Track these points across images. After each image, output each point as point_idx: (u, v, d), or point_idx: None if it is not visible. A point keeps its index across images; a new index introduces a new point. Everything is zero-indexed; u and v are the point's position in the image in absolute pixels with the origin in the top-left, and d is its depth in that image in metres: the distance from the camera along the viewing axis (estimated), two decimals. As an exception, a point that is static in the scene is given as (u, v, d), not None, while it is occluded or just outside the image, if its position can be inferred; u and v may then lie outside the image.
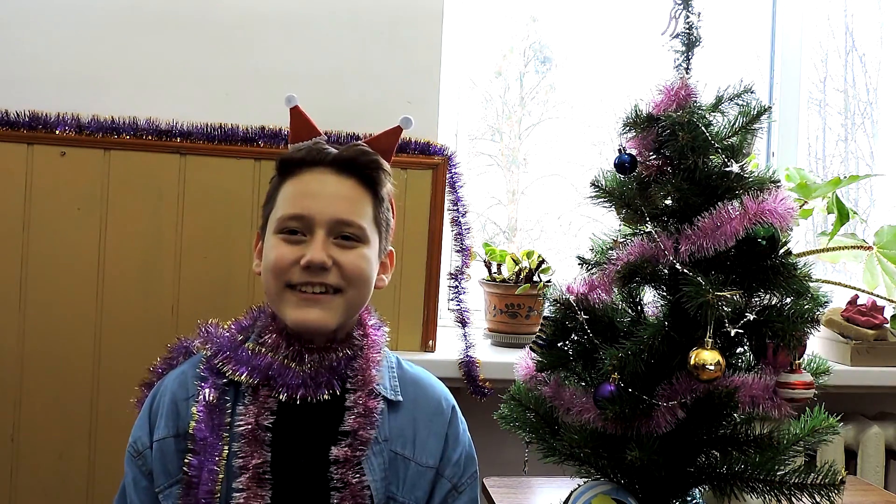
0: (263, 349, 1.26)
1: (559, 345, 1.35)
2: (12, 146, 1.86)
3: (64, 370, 1.86)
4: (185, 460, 1.21)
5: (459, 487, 1.34)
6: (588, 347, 1.31)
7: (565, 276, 1.41)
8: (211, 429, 1.21)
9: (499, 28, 2.33)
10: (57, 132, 1.87)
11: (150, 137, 1.89)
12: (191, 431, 1.21)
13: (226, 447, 1.21)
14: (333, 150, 1.29)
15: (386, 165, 1.31)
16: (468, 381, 1.94)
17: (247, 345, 1.28)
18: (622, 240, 1.34)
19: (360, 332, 1.33)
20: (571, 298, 1.31)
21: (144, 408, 1.30)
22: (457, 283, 2.02)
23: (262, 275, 1.29)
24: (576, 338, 1.34)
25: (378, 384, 1.29)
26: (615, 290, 1.33)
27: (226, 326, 1.33)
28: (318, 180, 1.26)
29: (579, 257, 1.37)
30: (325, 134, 1.93)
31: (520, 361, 1.45)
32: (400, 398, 1.32)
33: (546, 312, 1.36)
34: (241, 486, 1.19)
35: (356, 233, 1.26)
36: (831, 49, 2.55)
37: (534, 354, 1.37)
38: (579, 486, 1.37)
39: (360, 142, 1.33)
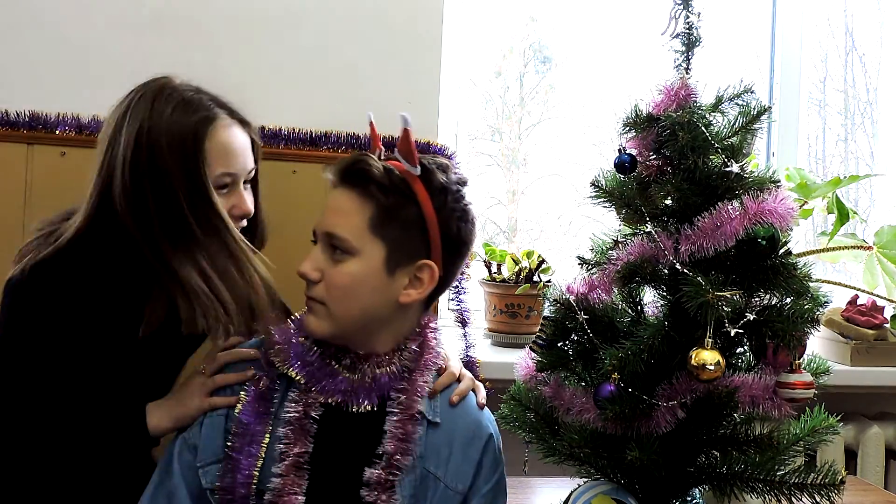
0: (314, 346, 1.26)
1: (559, 345, 1.35)
2: (12, 146, 1.86)
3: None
4: (228, 443, 1.22)
5: None
6: (588, 347, 1.31)
7: (565, 277, 1.41)
8: (255, 416, 1.23)
9: (499, 28, 2.34)
10: (57, 132, 1.87)
11: (149, 137, 1.89)
12: (236, 413, 1.23)
13: (268, 435, 1.22)
14: (342, 161, 1.27)
15: (376, 174, 1.22)
16: (468, 382, 1.93)
17: (300, 339, 1.27)
18: (622, 240, 1.34)
19: (415, 353, 1.29)
20: (571, 298, 1.31)
21: (213, 400, 1.28)
22: (457, 282, 2.01)
23: None
24: (576, 338, 1.34)
25: (420, 412, 1.26)
26: (615, 290, 1.33)
27: (295, 317, 1.32)
28: (332, 193, 1.25)
29: (579, 257, 1.37)
30: (325, 135, 1.95)
31: (520, 361, 1.45)
32: (439, 420, 1.28)
33: (546, 312, 1.36)
34: (279, 472, 1.19)
35: (341, 245, 1.22)
36: (831, 49, 2.56)
37: (534, 354, 1.37)
38: (579, 485, 1.38)
39: (393, 153, 1.26)
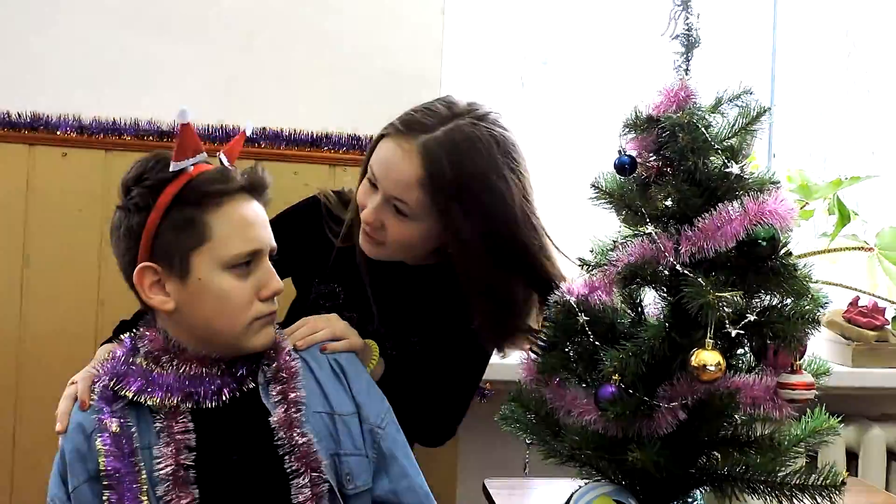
0: (171, 368, 1.25)
1: (560, 347, 1.35)
2: (14, 147, 1.87)
3: (64, 371, 1.85)
4: (104, 499, 1.18)
5: (382, 424, 1.34)
6: (589, 349, 1.31)
7: (567, 277, 1.41)
8: (122, 459, 1.19)
9: (499, 30, 2.33)
10: (58, 133, 1.88)
11: (151, 138, 1.90)
12: (101, 468, 1.18)
13: (143, 472, 1.19)
14: (249, 175, 1.27)
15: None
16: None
17: (141, 364, 1.26)
18: (622, 241, 1.34)
19: None
20: (572, 300, 1.31)
21: (55, 466, 1.26)
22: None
23: (208, 315, 1.24)
24: (577, 339, 1.33)
25: (290, 350, 1.31)
26: (616, 291, 1.33)
27: (106, 357, 1.29)
28: (251, 208, 1.25)
29: (580, 259, 1.37)
30: (327, 136, 1.95)
31: (520, 363, 1.45)
32: (304, 356, 1.34)
33: (547, 314, 1.36)
34: None
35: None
36: (832, 49, 2.55)
37: (534, 356, 1.37)
38: (580, 486, 1.37)
39: (221, 154, 1.30)
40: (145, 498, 1.18)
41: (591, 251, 1.39)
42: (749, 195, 1.26)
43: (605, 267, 1.32)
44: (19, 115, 1.87)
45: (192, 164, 1.23)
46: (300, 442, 1.23)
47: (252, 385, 1.28)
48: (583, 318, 1.30)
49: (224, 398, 1.24)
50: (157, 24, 1.91)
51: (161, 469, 1.19)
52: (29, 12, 1.88)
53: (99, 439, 1.20)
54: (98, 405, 1.23)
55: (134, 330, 1.31)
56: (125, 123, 1.89)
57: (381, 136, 1.43)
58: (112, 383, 1.24)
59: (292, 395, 1.26)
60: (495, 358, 1.98)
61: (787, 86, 2.47)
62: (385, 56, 1.98)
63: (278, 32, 1.95)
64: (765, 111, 1.30)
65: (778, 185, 1.30)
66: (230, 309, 1.23)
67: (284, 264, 1.35)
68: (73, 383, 1.30)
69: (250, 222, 1.24)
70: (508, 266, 1.43)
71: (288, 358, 1.30)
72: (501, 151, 1.40)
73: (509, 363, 1.51)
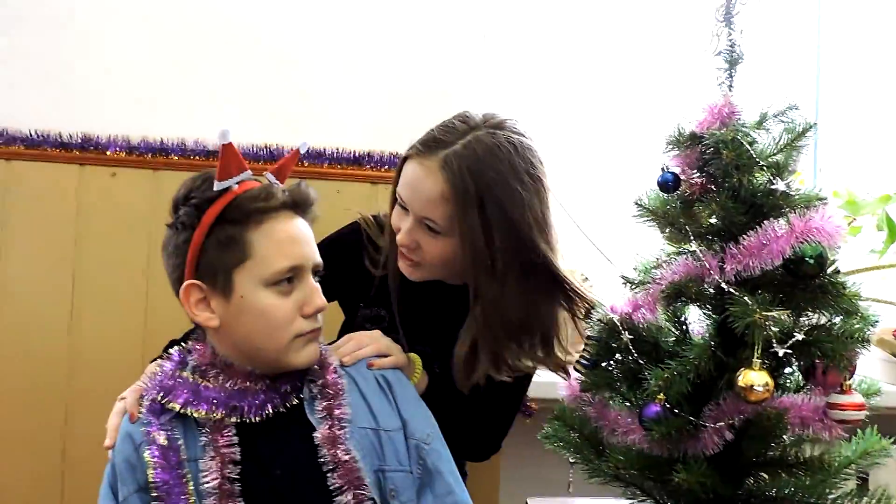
0: (217, 383, 1.27)
1: (603, 365, 1.34)
2: (65, 167, 1.91)
3: (112, 384, 1.89)
4: None
5: (427, 440, 1.34)
6: (633, 367, 1.30)
7: (608, 295, 1.40)
8: (170, 471, 1.21)
9: (539, 50, 2.34)
10: (108, 153, 1.92)
11: (197, 158, 1.93)
12: (150, 480, 1.20)
13: (190, 483, 1.21)
14: (296, 193, 1.29)
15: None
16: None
17: (188, 377, 1.28)
18: (666, 259, 1.33)
19: None
20: (615, 318, 1.30)
21: (105, 479, 1.28)
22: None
23: (250, 332, 1.26)
24: (620, 358, 1.33)
25: (336, 366, 1.32)
26: (660, 309, 1.32)
27: (155, 371, 1.32)
28: (294, 226, 1.27)
29: (623, 276, 1.36)
30: (369, 155, 1.96)
31: (564, 381, 1.44)
32: (350, 371, 1.35)
33: (590, 332, 1.35)
34: None
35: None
36: (877, 63, 2.51)
37: (578, 374, 1.36)
38: (624, 507, 1.36)
39: (268, 172, 1.32)
40: None
41: (635, 269, 1.38)
42: (795, 212, 1.24)
43: (649, 285, 1.31)
44: (70, 137, 1.91)
45: (237, 183, 1.25)
46: (344, 459, 1.24)
47: (296, 401, 1.29)
48: (626, 336, 1.29)
49: (268, 413, 1.26)
50: (203, 48, 1.95)
51: (207, 482, 1.21)
52: (79, 38, 1.93)
53: (147, 451, 1.22)
54: (146, 418, 1.25)
55: (183, 343, 1.34)
56: (172, 143, 1.93)
57: (405, 159, 1.45)
58: (160, 396, 1.26)
59: (337, 411, 1.27)
60: (538, 376, 1.98)
61: (833, 99, 2.44)
62: (426, 77, 2.00)
63: (320, 55, 1.98)
64: (811, 127, 1.29)
65: (825, 201, 1.28)
66: (272, 326, 1.25)
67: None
68: (121, 399, 1.33)
69: (291, 239, 1.25)
70: (528, 275, 1.43)
71: (334, 374, 1.31)
72: (520, 157, 1.42)
73: (552, 381, 1.50)
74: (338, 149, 1.96)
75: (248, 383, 1.26)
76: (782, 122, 1.31)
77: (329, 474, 1.23)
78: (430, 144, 1.42)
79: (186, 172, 1.90)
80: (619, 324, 1.30)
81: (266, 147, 1.94)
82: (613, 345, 1.32)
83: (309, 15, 1.97)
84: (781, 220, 1.23)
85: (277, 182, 1.30)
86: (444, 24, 2.02)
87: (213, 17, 1.96)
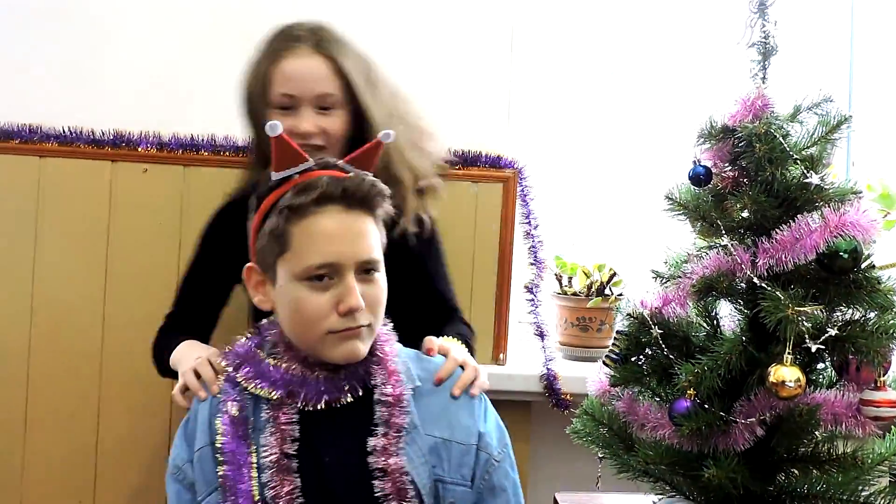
0: (282, 364, 1.29)
1: (633, 359, 1.34)
2: (97, 163, 1.93)
3: (144, 379, 1.92)
4: (219, 471, 1.24)
5: (498, 457, 1.34)
6: (663, 362, 1.30)
7: (637, 290, 1.39)
8: (236, 441, 1.25)
9: (568, 39, 2.33)
10: (139, 149, 1.94)
11: (227, 154, 1.94)
12: (218, 445, 1.25)
13: (254, 455, 1.25)
14: (341, 186, 1.24)
15: (383, 192, 1.27)
16: (549, 394, 1.94)
17: (261, 357, 1.31)
18: (697, 253, 1.32)
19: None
20: (645, 313, 1.30)
21: (179, 430, 1.34)
22: (532, 296, 2.01)
23: (288, 322, 1.28)
24: (650, 352, 1.32)
25: (396, 371, 1.31)
26: (690, 304, 1.31)
27: (242, 341, 1.35)
28: (335, 220, 1.23)
29: (653, 271, 1.36)
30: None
31: (592, 375, 1.44)
32: (419, 383, 1.33)
33: (619, 327, 1.35)
34: None
35: (375, 266, 1.27)
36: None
37: (607, 369, 1.36)
38: (654, 503, 1.36)
39: (339, 162, 1.29)
40: (255, 481, 1.23)
41: (665, 263, 1.37)
42: (829, 206, 1.23)
43: (680, 279, 1.30)
44: (103, 133, 1.93)
45: (298, 173, 1.26)
46: (394, 469, 1.24)
47: (351, 398, 1.28)
48: (656, 330, 1.29)
49: (320, 405, 1.27)
50: (232, 43, 1.95)
51: (267, 455, 1.24)
52: (111, 35, 1.95)
53: (219, 419, 1.27)
54: (225, 387, 1.30)
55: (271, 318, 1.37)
56: (202, 140, 1.94)
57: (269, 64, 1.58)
58: (232, 369, 1.30)
59: (396, 420, 1.27)
60: (567, 370, 1.98)
61: (866, 91, 2.40)
62: (453, 66, 1.99)
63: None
64: (845, 119, 1.27)
65: (860, 194, 1.27)
66: (304, 320, 1.25)
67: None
68: (198, 359, 1.39)
69: (328, 236, 1.23)
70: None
71: (398, 383, 1.29)
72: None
73: (580, 376, 1.50)
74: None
75: (305, 370, 1.28)
76: (816, 114, 1.30)
77: (376, 481, 1.24)
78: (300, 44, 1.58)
79: (216, 168, 1.93)
80: (649, 318, 1.30)
81: (295, 142, 1.96)
82: (643, 339, 1.31)
83: (335, 12, 1.98)
84: (815, 214, 1.22)
85: (365, 173, 1.28)
86: (470, 21, 2.01)
87: (241, 13, 1.96)
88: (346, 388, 1.28)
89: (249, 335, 1.34)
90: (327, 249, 1.23)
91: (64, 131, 1.93)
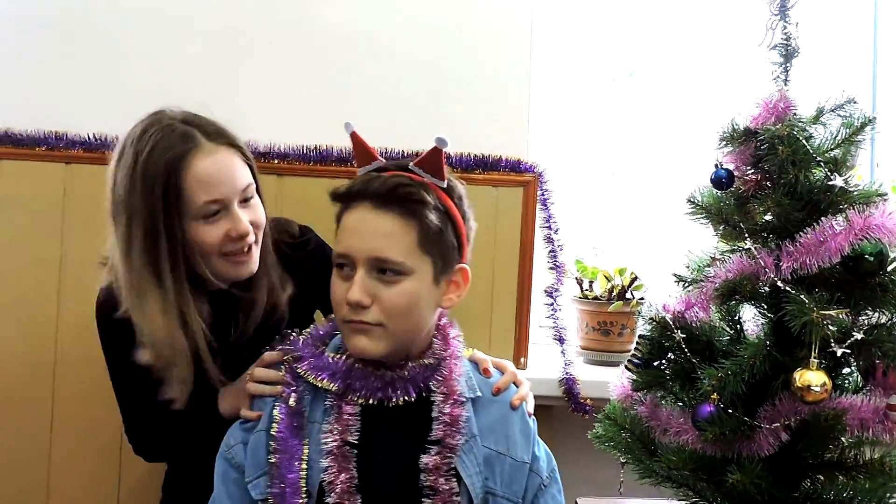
0: (342, 357, 1.31)
1: (655, 364, 1.33)
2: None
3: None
4: (270, 457, 1.27)
5: (546, 481, 1.37)
6: (685, 367, 1.29)
7: (659, 294, 1.39)
8: (290, 431, 1.28)
9: (586, 43, 2.32)
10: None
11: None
12: (273, 433, 1.28)
13: (307, 448, 1.27)
14: (375, 183, 1.27)
15: (423, 195, 1.26)
16: (569, 399, 1.94)
17: (321, 349, 1.34)
18: (720, 256, 1.31)
19: (442, 345, 1.35)
20: (668, 317, 1.29)
21: (242, 411, 1.37)
22: (552, 300, 2.01)
23: None
24: (672, 357, 1.31)
25: (461, 394, 1.31)
26: (713, 308, 1.31)
27: (306, 334, 1.38)
28: (360, 217, 1.26)
29: (675, 275, 1.35)
30: (416, 154, 1.96)
31: (614, 380, 1.43)
32: (480, 394, 1.34)
33: (641, 331, 1.34)
34: (332, 500, 1.24)
35: (395, 268, 1.25)
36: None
37: (629, 373, 1.35)
38: (677, 508, 1.35)
39: (410, 161, 1.31)
40: (304, 473, 1.26)
41: (687, 266, 1.36)
42: (854, 208, 1.22)
43: (702, 283, 1.29)
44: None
45: (375, 170, 1.31)
46: (444, 489, 1.26)
47: (401, 401, 1.29)
48: (679, 335, 1.28)
49: (372, 401, 1.28)
50: (252, 49, 1.97)
51: (328, 443, 1.27)
52: (134, 42, 1.97)
53: (277, 409, 1.30)
54: (287, 378, 1.32)
55: None
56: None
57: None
58: (300, 364, 1.32)
59: (450, 441, 1.28)
60: (588, 375, 1.97)
61: (890, 92, 2.38)
62: (473, 70, 1.99)
63: (368, 53, 1.98)
64: (869, 121, 1.26)
65: (885, 196, 1.25)
66: (333, 304, 1.30)
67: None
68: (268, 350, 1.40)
69: (349, 229, 1.27)
70: None
71: (455, 403, 1.30)
72: None
73: (601, 380, 1.49)
74: (385, 148, 1.97)
75: (366, 365, 1.29)
76: (840, 116, 1.29)
77: (426, 499, 1.26)
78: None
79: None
80: (671, 322, 1.29)
81: (316, 148, 1.96)
82: (666, 344, 1.31)
83: (352, 15, 1.98)
84: (839, 217, 1.20)
85: (439, 178, 1.30)
86: (489, 24, 2.01)
87: (263, 19, 1.97)
88: (400, 390, 1.29)
89: (315, 328, 1.38)
90: (344, 241, 1.28)
91: (89, 138, 1.95)
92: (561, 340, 2.00)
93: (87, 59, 1.96)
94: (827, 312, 1.14)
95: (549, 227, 2.00)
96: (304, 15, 1.98)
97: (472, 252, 1.37)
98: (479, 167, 1.95)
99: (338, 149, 1.96)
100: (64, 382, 1.95)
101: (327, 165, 1.95)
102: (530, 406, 1.41)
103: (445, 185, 1.30)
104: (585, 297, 2.11)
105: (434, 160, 1.29)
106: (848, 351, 1.17)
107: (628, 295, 2.06)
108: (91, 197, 1.92)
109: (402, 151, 1.96)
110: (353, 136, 1.32)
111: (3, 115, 1.94)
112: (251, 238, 1.44)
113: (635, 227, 2.36)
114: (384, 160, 1.33)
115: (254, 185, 1.46)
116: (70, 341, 1.94)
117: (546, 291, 2.01)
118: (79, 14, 1.96)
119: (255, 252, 1.46)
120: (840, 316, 1.16)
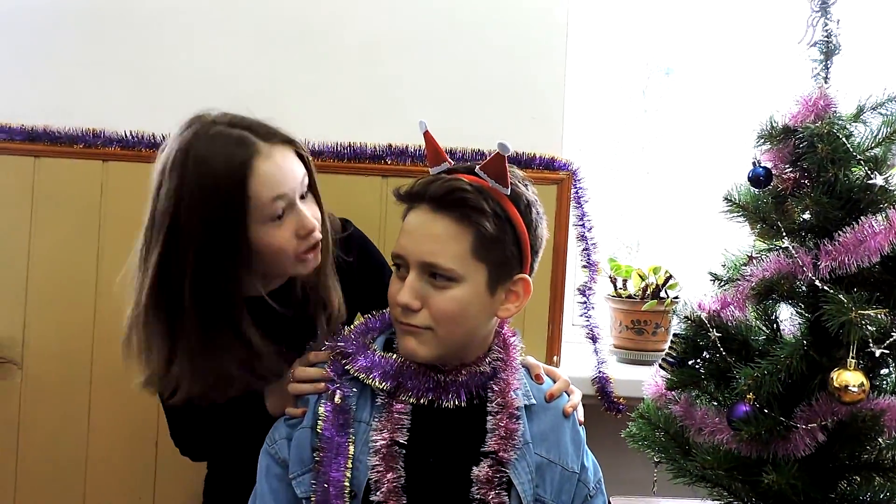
0: (393, 355, 1.30)
1: (690, 363, 1.32)
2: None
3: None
4: (315, 455, 1.27)
5: (592, 492, 1.36)
6: (721, 366, 1.28)
7: (693, 292, 1.38)
8: (336, 429, 1.27)
9: (622, 40, 2.31)
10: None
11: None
12: (318, 430, 1.27)
13: (352, 446, 1.26)
14: (434, 186, 1.25)
15: (479, 201, 1.22)
16: (602, 398, 1.94)
17: (372, 347, 1.32)
18: (757, 255, 1.30)
19: (501, 353, 1.33)
20: (703, 315, 1.29)
21: (288, 408, 1.36)
22: (585, 298, 2.01)
23: None
24: (707, 356, 1.31)
25: (518, 408, 1.29)
26: (749, 307, 1.30)
27: (352, 328, 1.37)
28: (417, 219, 1.26)
29: (711, 273, 1.34)
30: (451, 152, 1.97)
31: (648, 379, 1.43)
32: (534, 401, 1.33)
33: (676, 329, 1.34)
34: (378, 499, 1.24)
35: (445, 273, 1.23)
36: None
37: (664, 372, 1.35)
38: (712, 508, 1.34)
39: (476, 164, 1.27)
40: (348, 472, 1.25)
41: (723, 265, 1.36)
42: (894, 207, 1.20)
43: (739, 282, 1.28)
44: (164, 138, 1.95)
45: (446, 172, 1.30)
46: (493, 502, 1.25)
47: (450, 404, 1.28)
48: (714, 333, 1.27)
49: (423, 401, 1.27)
50: (299, 46, 1.98)
51: (377, 442, 1.26)
52: (171, 40, 1.99)
53: (322, 406, 1.29)
54: (332, 374, 1.32)
55: None
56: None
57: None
58: (348, 361, 1.31)
59: (503, 453, 1.27)
60: (621, 374, 1.97)
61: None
62: (508, 69, 1.99)
63: (402, 52, 1.99)
64: (912, 119, 1.25)
65: (926, 196, 1.24)
66: (389, 302, 1.30)
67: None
68: (311, 348, 1.40)
69: (406, 230, 1.27)
70: None
71: (510, 417, 1.28)
72: None
73: (635, 379, 1.49)
74: (420, 146, 1.98)
75: (419, 365, 1.28)
76: (881, 114, 1.27)
77: None
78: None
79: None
80: (706, 321, 1.28)
81: (350, 145, 1.97)
82: (701, 343, 1.30)
83: (387, 15, 1.99)
84: (879, 216, 1.19)
85: (499, 183, 1.27)
86: (524, 23, 2.01)
87: (305, 15, 1.99)
88: (452, 393, 1.28)
89: (364, 320, 1.37)
90: (400, 242, 1.27)
91: (126, 135, 1.97)
92: (594, 339, 1.99)
93: (124, 57, 1.99)
94: (865, 312, 1.13)
95: (583, 226, 1.99)
96: (341, 14, 1.99)
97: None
98: (512, 164, 1.95)
99: (371, 146, 1.96)
100: (101, 380, 1.97)
101: (361, 163, 1.96)
102: (580, 415, 1.39)
103: (509, 192, 1.25)
104: (619, 295, 2.10)
105: (497, 165, 1.25)
106: (886, 351, 1.16)
107: (662, 294, 2.05)
108: (128, 194, 1.95)
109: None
110: (426, 135, 1.30)
111: (42, 113, 1.96)
112: (318, 234, 1.41)
113: (670, 225, 2.35)
114: (451, 162, 1.30)
115: (307, 178, 1.41)
116: (107, 338, 1.96)
117: (579, 290, 2.01)
118: (115, 12, 1.98)
119: (319, 246, 1.44)
120: (879, 316, 1.15)
